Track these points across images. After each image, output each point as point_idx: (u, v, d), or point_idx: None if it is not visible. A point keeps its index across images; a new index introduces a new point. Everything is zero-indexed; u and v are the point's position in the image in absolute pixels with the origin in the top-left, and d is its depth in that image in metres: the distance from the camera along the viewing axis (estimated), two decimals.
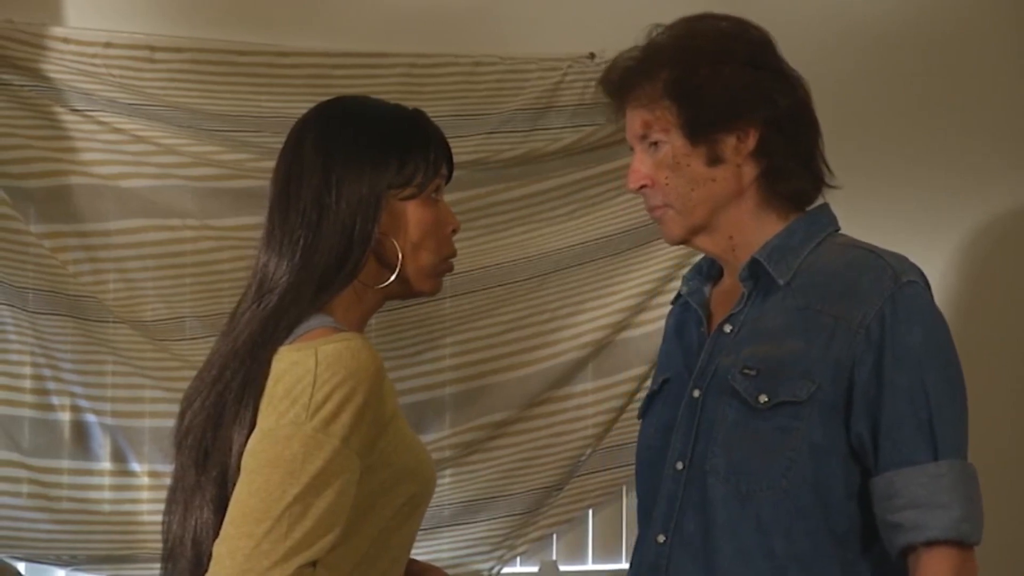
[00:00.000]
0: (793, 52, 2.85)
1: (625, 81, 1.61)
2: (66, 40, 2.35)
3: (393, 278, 1.44)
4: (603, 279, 2.62)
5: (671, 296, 2.58)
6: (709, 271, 1.73)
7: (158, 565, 1.44)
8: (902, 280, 1.51)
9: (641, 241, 2.62)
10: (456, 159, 2.48)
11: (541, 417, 2.58)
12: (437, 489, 2.47)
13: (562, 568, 2.53)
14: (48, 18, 2.39)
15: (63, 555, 2.34)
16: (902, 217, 2.73)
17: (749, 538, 1.50)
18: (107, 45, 2.37)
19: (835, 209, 1.68)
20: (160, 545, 1.44)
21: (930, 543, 1.44)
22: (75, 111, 2.37)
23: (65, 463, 2.34)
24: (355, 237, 1.39)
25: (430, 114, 1.55)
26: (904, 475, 1.45)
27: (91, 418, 2.35)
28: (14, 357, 2.32)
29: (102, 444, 2.36)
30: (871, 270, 1.53)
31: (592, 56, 2.63)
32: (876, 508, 1.48)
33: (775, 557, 1.50)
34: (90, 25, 2.40)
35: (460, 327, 2.55)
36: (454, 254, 1.51)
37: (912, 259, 1.60)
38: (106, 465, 2.36)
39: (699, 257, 1.78)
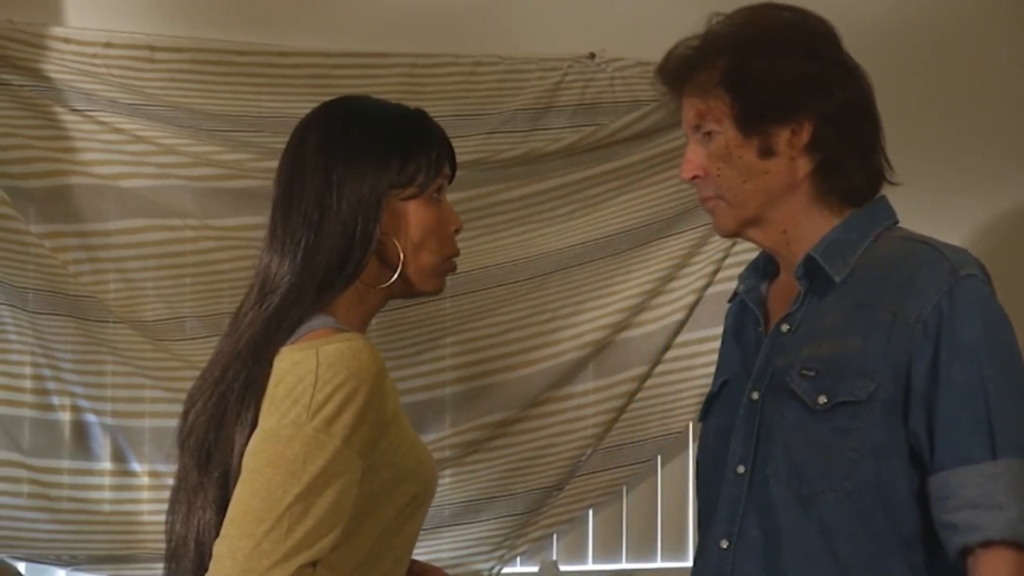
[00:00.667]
0: None
1: (682, 69, 1.57)
2: (66, 40, 2.35)
3: (395, 278, 1.44)
4: (603, 279, 2.62)
5: (671, 296, 2.62)
6: (765, 268, 1.68)
7: (159, 565, 1.44)
8: (960, 273, 1.47)
9: (641, 241, 2.62)
10: (456, 159, 2.50)
11: (541, 417, 2.58)
12: (437, 489, 2.48)
13: (562, 568, 2.53)
14: (48, 18, 2.39)
15: (63, 555, 2.34)
16: (901, 217, 2.73)
17: (813, 542, 1.47)
18: (107, 45, 2.37)
19: None
20: (160, 545, 1.44)
21: (986, 544, 1.39)
22: (75, 111, 2.37)
23: (65, 463, 2.34)
24: (357, 237, 1.39)
25: (430, 114, 1.54)
26: (960, 474, 1.41)
27: (91, 418, 2.35)
28: (14, 357, 2.32)
29: (102, 444, 2.36)
30: (928, 263, 1.49)
31: (592, 56, 2.63)
32: (933, 509, 1.44)
33: (840, 561, 1.46)
34: (90, 25, 2.40)
35: (460, 327, 2.55)
36: (457, 253, 1.50)
37: None
38: (106, 465, 2.36)
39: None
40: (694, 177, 1.56)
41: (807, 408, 1.48)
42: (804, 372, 1.49)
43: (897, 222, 1.61)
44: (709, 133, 1.55)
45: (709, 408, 1.69)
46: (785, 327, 1.56)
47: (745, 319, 1.67)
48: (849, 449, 1.45)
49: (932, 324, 1.44)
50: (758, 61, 1.51)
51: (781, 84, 1.51)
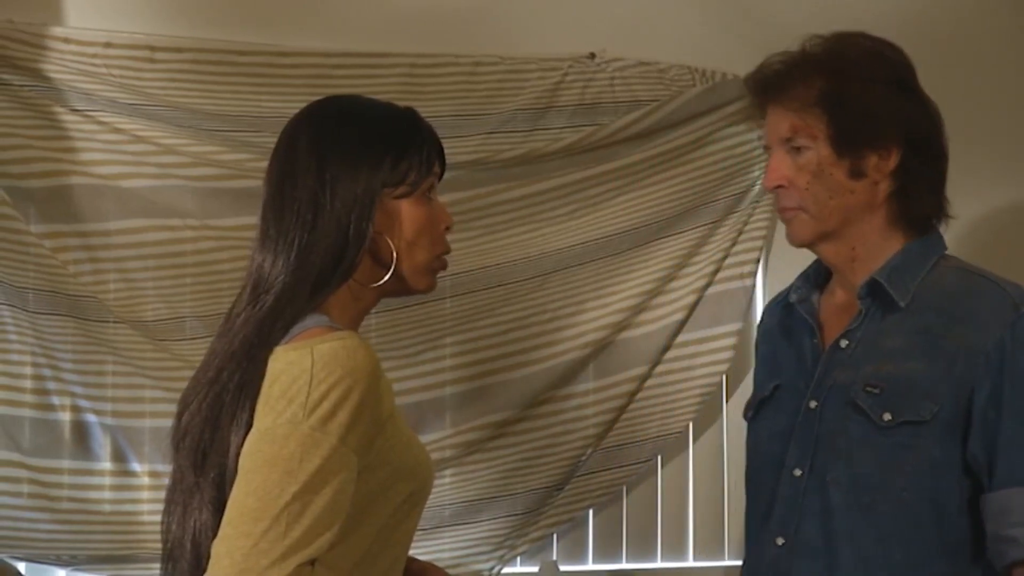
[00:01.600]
0: None
1: (777, 82, 1.67)
2: (66, 40, 2.35)
3: (388, 276, 1.44)
4: (603, 279, 2.62)
5: (672, 296, 2.62)
6: (816, 279, 1.78)
7: (158, 565, 1.44)
8: (1021, 310, 1.58)
9: (641, 241, 2.62)
10: (456, 159, 2.50)
11: (542, 417, 2.58)
12: (438, 489, 2.49)
13: (562, 568, 2.53)
14: (48, 18, 2.39)
15: (63, 555, 2.34)
16: None
17: (870, 547, 1.58)
18: (107, 45, 2.38)
19: None
20: (160, 545, 1.44)
21: None
22: (75, 111, 2.37)
23: (65, 463, 2.34)
24: (350, 236, 1.39)
25: (431, 114, 1.55)
26: (1018, 494, 1.53)
27: (91, 418, 2.35)
28: (14, 357, 2.32)
29: (102, 444, 2.36)
30: (991, 298, 1.60)
31: (592, 56, 2.63)
32: (989, 523, 1.55)
33: (895, 566, 1.58)
34: (90, 25, 2.40)
35: (461, 327, 2.55)
36: (448, 251, 1.51)
37: None
38: (106, 465, 2.36)
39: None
40: (778, 187, 1.66)
41: (872, 423, 1.59)
42: (869, 389, 1.60)
43: (947, 250, 1.72)
44: (800, 148, 1.64)
45: (759, 410, 1.79)
46: (844, 343, 1.66)
47: (795, 327, 1.77)
48: (909, 464, 1.57)
49: (995, 357, 1.56)
50: (855, 86, 1.62)
51: (876, 111, 1.61)
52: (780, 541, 1.65)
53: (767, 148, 1.71)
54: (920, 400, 1.57)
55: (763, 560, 1.69)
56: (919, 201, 1.66)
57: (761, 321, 1.89)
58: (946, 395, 1.56)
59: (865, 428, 1.59)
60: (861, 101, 1.61)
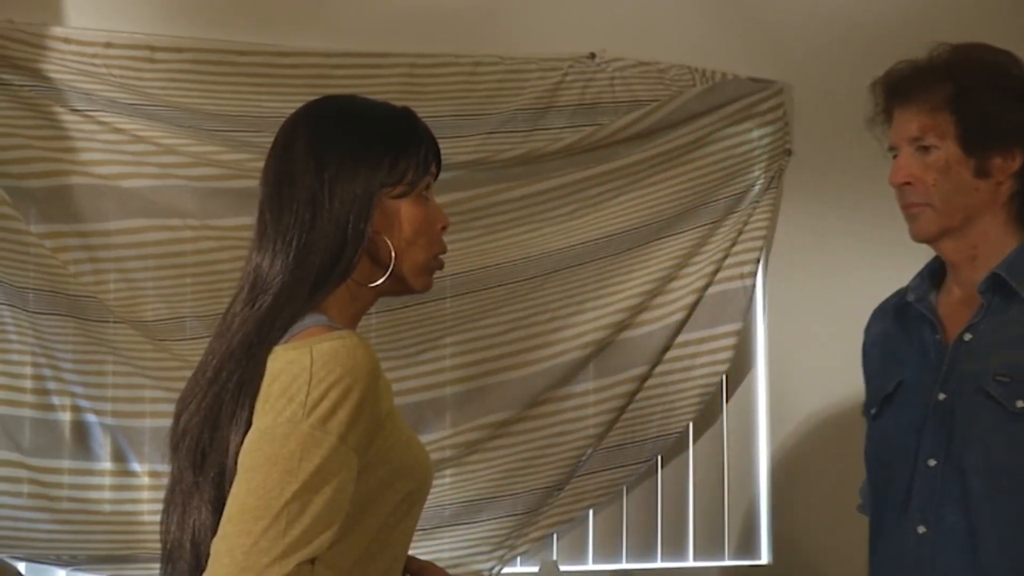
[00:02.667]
0: (793, 52, 2.86)
1: (908, 85, 1.75)
2: (66, 40, 2.36)
3: (386, 276, 1.44)
4: (603, 279, 2.62)
5: (672, 296, 2.62)
6: (932, 279, 1.84)
7: (158, 565, 1.44)
8: None
9: (641, 241, 2.62)
10: (457, 159, 2.50)
11: (542, 417, 2.59)
12: (438, 489, 2.49)
13: (562, 568, 2.53)
14: (48, 18, 2.40)
15: (63, 555, 2.34)
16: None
17: (1010, 531, 1.63)
18: (107, 45, 2.38)
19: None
20: (160, 545, 1.43)
21: None
22: (75, 111, 2.37)
23: (65, 463, 2.34)
24: (349, 236, 1.39)
25: (431, 114, 1.55)
26: None
27: (91, 418, 2.35)
28: (15, 357, 2.32)
29: (102, 444, 2.36)
30: None
31: (592, 56, 2.63)
32: None
33: None
34: (90, 25, 2.40)
35: (461, 327, 2.55)
36: (444, 250, 1.51)
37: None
38: (106, 465, 2.36)
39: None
40: (905, 183, 1.74)
41: (1004, 410, 1.64)
42: (999, 379, 1.65)
43: None
44: (927, 147, 1.72)
45: (883, 407, 1.84)
46: (968, 336, 1.72)
47: (913, 324, 1.82)
48: None
49: None
50: (983, 92, 1.71)
51: (1002, 115, 1.71)
52: (921, 530, 1.70)
53: (892, 148, 1.78)
54: None
55: (903, 550, 1.73)
56: None
57: (868, 328, 1.97)
58: None
59: (998, 416, 1.64)
60: (989, 105, 1.70)
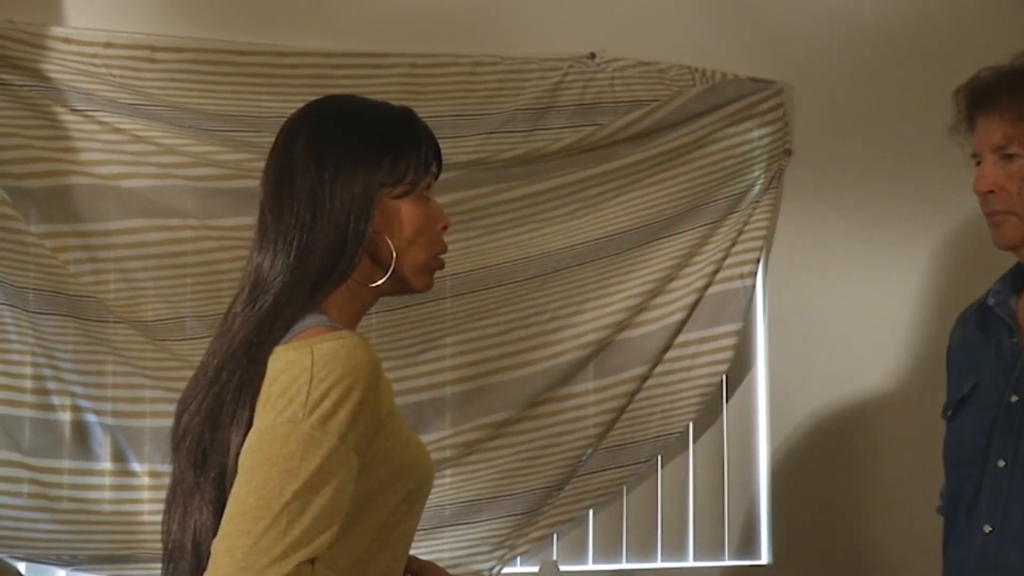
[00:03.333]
0: (793, 52, 2.85)
1: (989, 94, 1.76)
2: (66, 40, 2.36)
3: (387, 276, 1.44)
4: (603, 279, 2.62)
5: (672, 296, 2.62)
6: (1013, 283, 1.85)
7: (158, 565, 1.44)
8: None
9: (641, 241, 2.62)
10: (457, 159, 2.50)
11: (542, 417, 2.58)
12: (438, 489, 2.49)
13: (562, 568, 2.53)
14: (48, 18, 2.40)
15: (63, 555, 2.34)
16: (901, 215, 2.73)
17: None
18: (107, 45, 2.38)
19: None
20: (161, 545, 1.44)
21: None
22: (75, 111, 2.37)
23: (66, 463, 2.34)
24: (349, 236, 1.39)
25: (431, 114, 1.55)
26: None
27: (92, 418, 2.35)
28: (15, 357, 2.32)
29: (103, 444, 2.36)
30: None
31: (592, 56, 2.63)
32: None
33: None
34: (90, 25, 2.40)
35: (461, 327, 2.55)
36: (445, 250, 1.51)
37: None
38: (107, 465, 2.36)
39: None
40: (988, 192, 1.75)
41: None
42: None
43: None
44: (1012, 155, 1.73)
45: (959, 409, 1.85)
46: None
47: (992, 328, 1.84)
48: None
49: None
50: None
51: None
52: (987, 528, 1.72)
53: (975, 156, 1.79)
54: None
55: (971, 548, 1.75)
56: None
57: (952, 333, 1.97)
58: None
59: None
60: None
